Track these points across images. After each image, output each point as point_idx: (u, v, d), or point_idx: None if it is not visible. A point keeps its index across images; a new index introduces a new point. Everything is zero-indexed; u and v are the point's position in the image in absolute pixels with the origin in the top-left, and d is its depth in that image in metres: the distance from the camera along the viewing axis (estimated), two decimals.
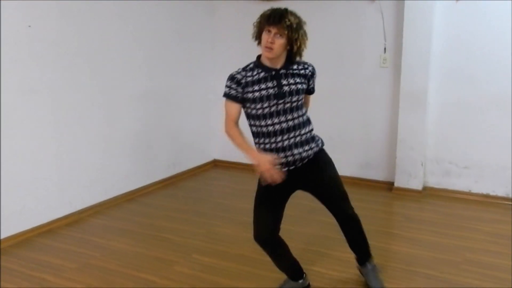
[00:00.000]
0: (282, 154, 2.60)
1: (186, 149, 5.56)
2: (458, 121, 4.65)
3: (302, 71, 2.63)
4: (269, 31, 2.47)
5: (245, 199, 4.69)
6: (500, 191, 4.57)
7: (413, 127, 4.69)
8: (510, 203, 4.49)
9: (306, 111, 2.72)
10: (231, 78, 2.63)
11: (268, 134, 2.60)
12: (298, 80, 2.60)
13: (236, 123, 2.66)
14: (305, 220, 4.08)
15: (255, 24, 2.59)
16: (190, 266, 3.34)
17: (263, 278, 3.16)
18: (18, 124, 3.70)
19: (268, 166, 2.47)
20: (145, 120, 4.95)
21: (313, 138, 2.71)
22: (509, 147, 4.47)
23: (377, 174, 5.05)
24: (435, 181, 4.84)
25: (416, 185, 4.78)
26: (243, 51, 5.46)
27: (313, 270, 3.22)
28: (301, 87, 2.60)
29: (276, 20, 2.45)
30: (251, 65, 2.64)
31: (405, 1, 4.51)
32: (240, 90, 2.60)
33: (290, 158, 2.62)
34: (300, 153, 2.63)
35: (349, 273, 3.21)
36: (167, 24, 5.09)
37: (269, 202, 2.70)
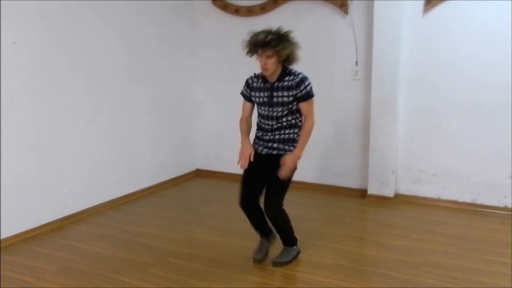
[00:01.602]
0: (262, 141, 3.40)
1: (168, 159, 5.75)
2: (426, 129, 4.87)
3: (290, 83, 3.20)
4: (261, 55, 3.13)
5: (224, 206, 4.94)
6: (467, 197, 4.77)
7: (384, 136, 4.90)
8: (476, 208, 4.70)
9: (296, 118, 3.33)
10: (246, 81, 3.44)
11: (261, 128, 3.42)
12: (285, 93, 3.21)
13: (247, 118, 3.50)
14: None
15: (246, 51, 3.20)
16: (164, 269, 3.52)
17: (234, 279, 3.35)
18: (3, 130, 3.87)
19: (244, 155, 3.37)
20: (128, 129, 5.13)
21: (293, 140, 3.34)
22: (473, 155, 4.68)
23: (351, 181, 5.25)
24: (406, 188, 5.04)
25: (388, 192, 4.98)
26: (223, 62, 5.73)
27: None
28: (287, 100, 3.22)
29: (260, 45, 3.10)
30: (260, 74, 3.32)
31: (375, 16, 4.74)
32: (249, 91, 3.41)
33: (267, 146, 3.37)
34: (275, 146, 3.35)
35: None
36: (149, 34, 5.29)
37: (249, 177, 3.45)
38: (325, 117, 5.27)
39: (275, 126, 3.32)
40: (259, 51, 3.12)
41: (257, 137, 3.47)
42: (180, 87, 5.85)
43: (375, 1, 4.73)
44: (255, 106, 3.46)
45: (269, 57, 3.10)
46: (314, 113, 3.36)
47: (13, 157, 3.98)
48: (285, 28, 3.21)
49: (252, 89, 3.37)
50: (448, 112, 4.75)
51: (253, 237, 3.66)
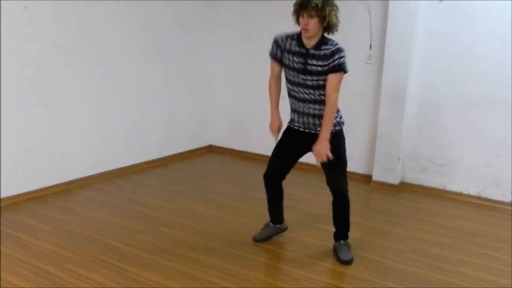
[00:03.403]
0: (297, 116, 3.24)
1: (181, 133, 5.84)
2: (436, 119, 4.77)
3: (325, 52, 3.04)
4: (302, 16, 2.99)
5: (229, 182, 5.00)
6: (473, 190, 4.67)
7: (392, 122, 4.83)
8: (481, 202, 4.60)
9: (326, 93, 3.10)
10: (274, 39, 3.20)
11: (292, 96, 3.22)
12: (320, 63, 3.03)
13: (277, 78, 3.28)
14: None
15: (292, 13, 3.09)
16: (153, 236, 3.61)
17: (219, 252, 3.41)
18: (11, 94, 3.99)
19: (273, 129, 3.30)
20: (140, 102, 5.24)
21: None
22: (482, 147, 4.57)
23: (358, 167, 5.20)
24: (412, 177, 4.97)
25: (393, 179, 4.92)
26: (241, 40, 5.75)
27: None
28: (321, 69, 3.04)
29: (304, 5, 2.96)
30: (294, 36, 3.12)
31: (390, 0, 4.65)
32: (278, 51, 3.17)
33: (303, 122, 3.23)
34: (311, 122, 3.20)
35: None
36: (166, 11, 5.34)
37: (282, 152, 3.36)
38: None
39: (307, 97, 3.13)
40: (302, 12, 2.98)
41: (292, 110, 3.27)
42: (197, 64, 5.89)
43: None
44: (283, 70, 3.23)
45: (311, 17, 2.94)
46: (338, 91, 3.11)
47: (24, 117, 4.13)
48: None
49: (285, 50, 3.13)
50: (460, 102, 4.64)
51: (250, 215, 3.75)
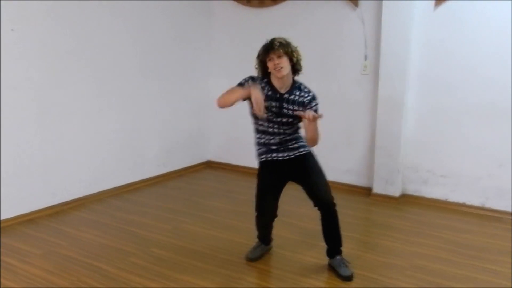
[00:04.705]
0: (270, 147, 3.21)
1: (178, 149, 5.78)
2: (435, 129, 4.67)
3: (301, 99, 3.10)
4: (271, 59, 3.02)
5: (225, 199, 4.93)
6: (475, 201, 4.55)
7: (390, 134, 4.73)
8: (484, 213, 4.47)
9: (297, 130, 3.22)
10: (251, 77, 3.18)
11: (263, 132, 3.21)
12: (296, 107, 3.09)
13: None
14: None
15: (256, 66, 3.17)
16: (144, 258, 3.53)
17: (212, 273, 3.31)
18: (5, 114, 3.96)
19: (257, 99, 2.93)
20: (137, 118, 5.19)
21: (301, 147, 3.22)
22: (484, 157, 4.46)
23: (357, 179, 5.11)
24: (413, 189, 4.86)
25: (393, 191, 4.81)
26: (237, 53, 5.69)
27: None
28: (296, 113, 3.07)
29: (269, 47, 3.02)
30: (265, 80, 3.16)
31: (383, 8, 4.57)
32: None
33: (279, 150, 3.21)
34: (288, 146, 3.20)
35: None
36: (163, 24, 5.33)
37: (269, 189, 3.32)
38: (333, 112, 5.14)
39: (281, 131, 3.15)
40: (270, 55, 3.02)
41: (264, 151, 3.24)
42: (194, 79, 5.85)
43: None
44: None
45: (280, 56, 3.01)
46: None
47: (17, 140, 4.09)
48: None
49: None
50: (460, 112, 4.53)
51: (243, 233, 3.66)
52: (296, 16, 5.21)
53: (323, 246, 3.40)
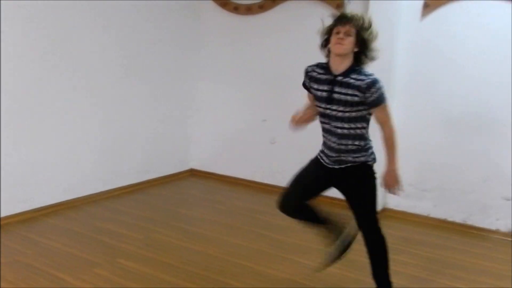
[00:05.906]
0: (328, 151, 2.84)
1: (161, 156, 5.68)
2: (418, 141, 4.57)
3: (358, 83, 2.64)
4: (338, 33, 2.64)
5: (206, 209, 4.83)
6: (458, 217, 4.44)
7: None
8: (466, 230, 4.36)
9: (363, 127, 2.79)
10: (305, 69, 2.89)
11: (323, 129, 2.87)
12: (350, 91, 2.64)
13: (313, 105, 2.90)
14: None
15: (323, 31, 2.76)
16: (110, 270, 3.42)
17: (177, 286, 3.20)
18: None
19: (294, 119, 2.84)
20: (119, 123, 5.08)
21: (360, 151, 2.82)
22: (468, 172, 4.35)
23: (337, 192, 4.97)
24: (394, 203, 4.75)
25: None
26: (224, 60, 5.60)
27: None
28: (351, 99, 2.65)
29: (345, 19, 2.64)
30: (323, 64, 2.81)
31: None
32: (307, 80, 2.87)
33: (331, 156, 2.84)
34: (340, 158, 2.82)
35: None
36: (148, 28, 5.23)
37: (305, 179, 2.96)
38: None
39: (338, 131, 2.75)
40: (340, 26, 2.63)
41: (322, 142, 2.92)
42: (179, 85, 5.76)
43: (370, 1, 4.48)
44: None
45: (348, 35, 2.62)
46: (392, 117, 2.82)
47: None
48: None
49: (311, 79, 2.83)
50: (443, 124, 4.45)
51: (219, 246, 3.53)
52: (283, 23, 5.12)
53: (279, 255, 3.28)
